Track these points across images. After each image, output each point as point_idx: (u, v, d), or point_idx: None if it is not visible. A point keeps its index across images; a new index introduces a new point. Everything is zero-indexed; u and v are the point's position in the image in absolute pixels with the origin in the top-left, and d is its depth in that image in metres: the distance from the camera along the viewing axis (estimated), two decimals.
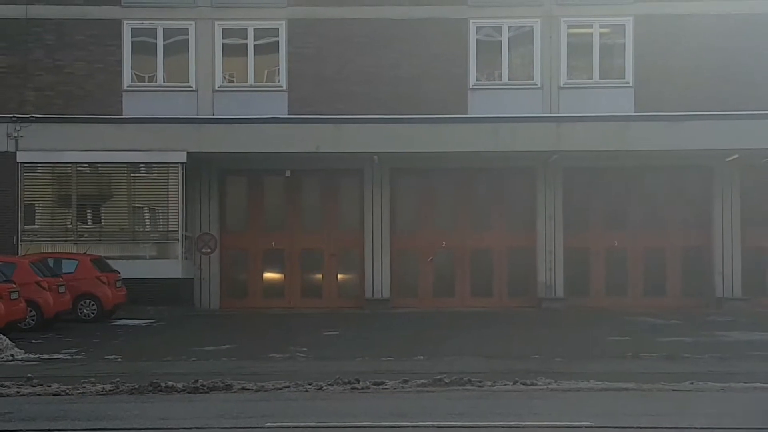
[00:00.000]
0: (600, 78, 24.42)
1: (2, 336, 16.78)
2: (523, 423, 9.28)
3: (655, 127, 22.84)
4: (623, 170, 24.64)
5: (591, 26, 24.65)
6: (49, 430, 10.18)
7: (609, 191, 25.20)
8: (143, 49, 25.63)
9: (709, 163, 24.09)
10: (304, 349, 18.04)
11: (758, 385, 12.38)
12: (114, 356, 17.17)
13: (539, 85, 24.53)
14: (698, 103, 23.14)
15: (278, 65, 25.69)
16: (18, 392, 12.48)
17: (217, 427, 9.58)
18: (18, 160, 23.81)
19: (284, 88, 25.33)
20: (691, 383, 12.73)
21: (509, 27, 24.91)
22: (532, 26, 24.75)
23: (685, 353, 16.91)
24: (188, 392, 12.65)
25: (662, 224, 25.53)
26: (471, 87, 24.86)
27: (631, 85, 24.33)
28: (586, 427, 9.40)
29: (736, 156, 23.20)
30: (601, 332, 20.54)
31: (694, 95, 23.45)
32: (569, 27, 24.68)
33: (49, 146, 24.09)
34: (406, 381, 12.97)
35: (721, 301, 24.25)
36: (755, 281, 25.02)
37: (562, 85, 24.51)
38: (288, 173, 26.51)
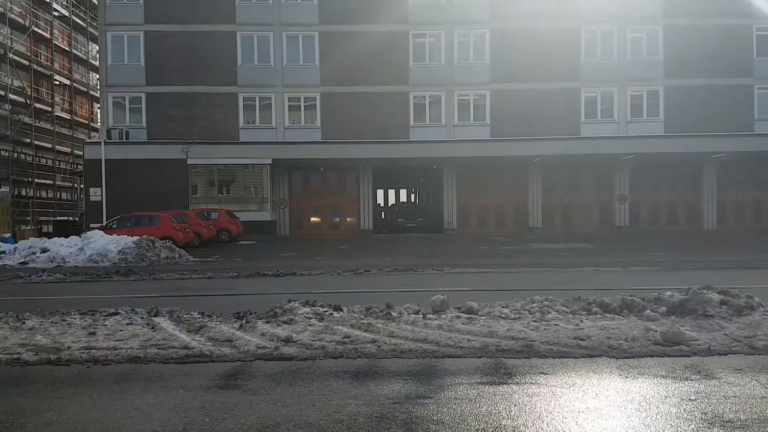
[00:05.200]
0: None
1: (182, 250, 21.15)
2: (437, 289, 10.21)
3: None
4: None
5: (468, 94, 34.05)
6: (204, 295, 11.54)
7: None
8: (249, 107, 33.82)
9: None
10: (330, 254, 21.26)
11: (550, 269, 14.60)
12: (237, 259, 20.15)
13: (444, 125, 33.88)
14: None
15: (316, 115, 33.85)
16: (190, 277, 14.62)
17: (289, 292, 10.60)
18: (188, 163, 32.14)
19: (320, 126, 33.78)
20: (517, 269, 15.03)
21: (429, 95, 34.00)
22: (440, 95, 34.02)
23: (515, 254, 20.83)
24: (274, 276, 14.34)
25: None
26: (411, 125, 33.98)
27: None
28: (467, 290, 10.71)
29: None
30: (474, 245, 24.44)
31: None
32: (458, 96, 33.91)
33: (204, 156, 32.22)
34: (380, 269, 14.88)
35: (532, 229, 34.09)
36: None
37: (455, 125, 33.72)
38: (321, 169, 34.59)
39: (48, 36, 41.36)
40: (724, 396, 5.41)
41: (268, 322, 8.07)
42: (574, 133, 33.53)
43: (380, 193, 42.25)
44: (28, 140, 38.62)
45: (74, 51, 44.85)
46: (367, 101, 33.58)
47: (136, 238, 20.63)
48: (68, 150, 43.77)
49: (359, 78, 33.25)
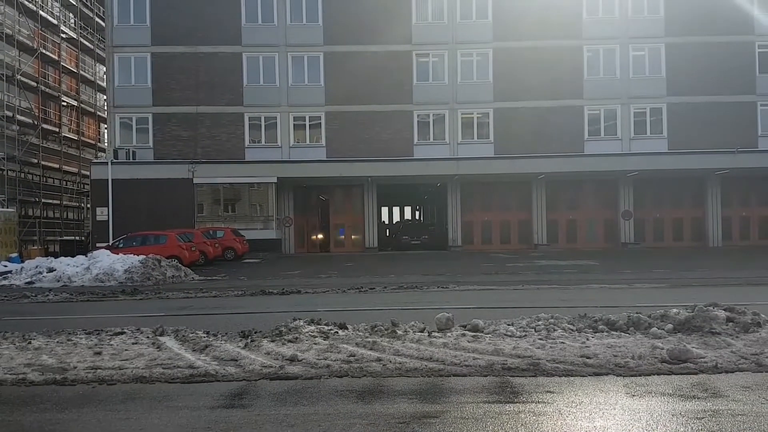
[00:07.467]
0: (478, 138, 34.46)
1: (187, 268, 21.59)
2: (442, 307, 10.21)
3: None
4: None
5: (472, 113, 34.20)
6: (209, 314, 11.54)
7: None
8: (254, 126, 34.11)
9: None
10: (335, 272, 21.48)
11: (555, 286, 15.22)
12: (243, 277, 20.27)
13: (448, 142, 34.12)
14: None
15: (321, 134, 34.26)
16: (195, 296, 14.81)
17: (293, 311, 10.73)
18: (194, 182, 32.52)
19: (324, 145, 34.13)
20: (522, 286, 15.09)
21: (432, 114, 34.26)
22: (444, 113, 34.19)
23: (520, 270, 20.89)
24: (279, 294, 14.44)
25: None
26: (415, 143, 34.20)
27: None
28: (472, 308, 10.68)
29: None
30: (478, 261, 24.71)
31: None
32: (462, 114, 34.14)
33: (209, 175, 32.64)
34: (385, 287, 14.89)
35: (537, 246, 34.13)
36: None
37: (459, 142, 34.16)
38: (323, 198, 35.24)
39: (56, 58, 41.74)
40: (731, 414, 5.36)
41: (273, 341, 8.06)
42: (577, 151, 33.72)
43: (385, 210, 42.36)
44: (36, 160, 38.90)
45: (82, 72, 45.24)
46: (372, 120, 33.95)
47: (142, 257, 20.77)
48: (75, 170, 44.05)
49: (363, 97, 33.59)
